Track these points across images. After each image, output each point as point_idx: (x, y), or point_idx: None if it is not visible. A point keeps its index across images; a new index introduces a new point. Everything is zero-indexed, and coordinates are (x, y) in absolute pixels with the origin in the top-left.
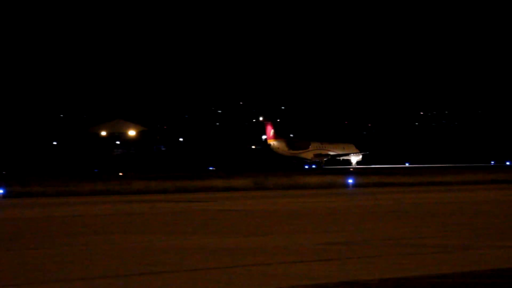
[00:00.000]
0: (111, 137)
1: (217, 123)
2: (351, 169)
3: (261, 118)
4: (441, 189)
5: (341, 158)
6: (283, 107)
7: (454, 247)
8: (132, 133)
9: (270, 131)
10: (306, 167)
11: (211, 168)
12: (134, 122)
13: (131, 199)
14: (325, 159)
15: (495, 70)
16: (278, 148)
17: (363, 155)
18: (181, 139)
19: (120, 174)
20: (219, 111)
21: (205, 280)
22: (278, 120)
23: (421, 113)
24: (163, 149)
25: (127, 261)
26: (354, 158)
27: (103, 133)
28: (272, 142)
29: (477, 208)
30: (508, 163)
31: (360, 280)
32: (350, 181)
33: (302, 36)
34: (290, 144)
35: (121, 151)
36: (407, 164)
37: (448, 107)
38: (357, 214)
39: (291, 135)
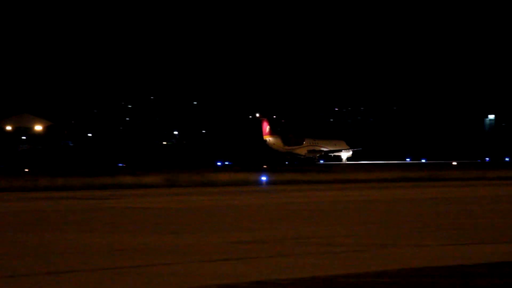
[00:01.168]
0: (16, 132)
1: (127, 118)
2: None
3: (257, 115)
4: (355, 186)
5: (332, 154)
6: (270, 103)
7: (367, 246)
8: (38, 128)
9: (266, 127)
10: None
11: (120, 165)
12: (41, 117)
13: (36, 196)
14: (317, 155)
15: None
16: (274, 144)
17: (356, 151)
18: (89, 135)
19: (26, 170)
20: (129, 106)
21: (111, 279)
22: (274, 116)
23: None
24: (71, 144)
25: (29, 261)
26: (345, 154)
27: (8, 128)
28: (268, 138)
29: (388, 206)
30: (424, 160)
31: (271, 280)
32: (264, 178)
33: (293, 32)
34: (285, 140)
35: (27, 146)
36: (408, 160)
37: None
38: (269, 212)
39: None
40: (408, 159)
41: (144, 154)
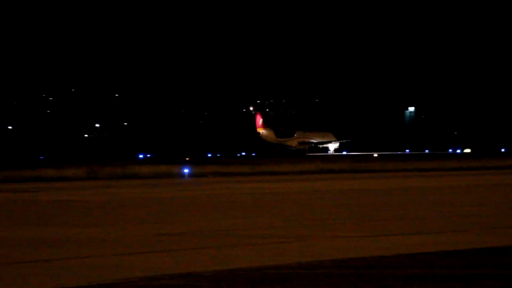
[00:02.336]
0: None
1: (48, 111)
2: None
3: (251, 108)
4: (279, 179)
5: (321, 146)
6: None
7: (286, 238)
8: None
9: (259, 120)
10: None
11: (42, 158)
12: None
13: None
14: (307, 147)
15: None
16: (267, 136)
17: (344, 142)
18: (10, 127)
19: None
20: (50, 98)
21: (35, 274)
22: (267, 110)
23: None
24: None
25: None
26: (332, 146)
27: None
28: (261, 131)
29: (310, 197)
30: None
31: (194, 272)
32: (186, 171)
33: (284, 28)
34: (277, 132)
35: None
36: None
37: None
38: (190, 204)
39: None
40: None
41: (66, 147)
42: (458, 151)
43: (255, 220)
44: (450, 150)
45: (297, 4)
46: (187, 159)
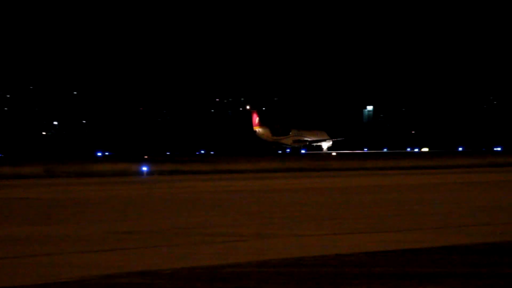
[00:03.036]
0: None
1: (6, 108)
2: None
3: (248, 107)
4: (237, 177)
5: (315, 144)
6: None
7: (247, 236)
8: None
9: (256, 119)
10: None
11: None
12: None
13: None
14: (302, 145)
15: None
16: (263, 134)
17: (338, 141)
18: None
19: None
20: (8, 96)
21: None
22: (264, 108)
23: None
24: None
25: None
26: (325, 144)
27: None
28: (258, 129)
29: (269, 196)
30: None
31: (152, 270)
32: (145, 169)
33: (279, 28)
34: (273, 131)
35: None
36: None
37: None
38: (149, 202)
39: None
40: (288, 150)
41: (23, 145)
42: (416, 150)
43: (213, 218)
44: (408, 149)
45: (286, 5)
46: (146, 157)
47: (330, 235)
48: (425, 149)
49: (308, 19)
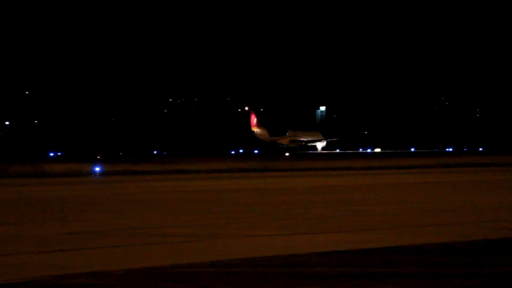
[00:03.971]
0: None
1: None
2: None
3: (246, 108)
4: (189, 177)
5: (310, 144)
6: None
7: (198, 236)
8: None
9: (254, 119)
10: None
11: None
12: None
13: None
14: (298, 145)
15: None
16: (261, 134)
17: (333, 141)
18: None
19: None
20: None
21: None
22: (262, 109)
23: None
24: None
25: None
26: (320, 144)
27: None
28: (255, 129)
29: (220, 196)
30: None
31: (105, 270)
32: (98, 169)
33: (277, 29)
34: (270, 131)
35: None
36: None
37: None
38: (102, 203)
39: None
40: (241, 150)
41: None
42: (369, 150)
43: (166, 218)
44: (361, 149)
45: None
46: (99, 157)
47: (282, 235)
48: (377, 150)
49: (261, 20)
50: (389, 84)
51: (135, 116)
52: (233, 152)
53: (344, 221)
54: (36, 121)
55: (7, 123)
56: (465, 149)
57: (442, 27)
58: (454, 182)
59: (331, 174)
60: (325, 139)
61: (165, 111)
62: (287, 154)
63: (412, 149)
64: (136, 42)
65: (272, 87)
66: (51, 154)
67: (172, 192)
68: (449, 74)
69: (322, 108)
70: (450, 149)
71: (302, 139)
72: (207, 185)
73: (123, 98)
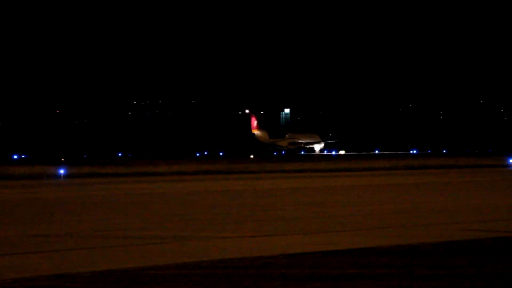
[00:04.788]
0: None
1: None
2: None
3: (247, 111)
4: (155, 179)
5: (308, 146)
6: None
7: (165, 238)
8: None
9: (254, 122)
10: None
11: None
12: None
13: None
14: (296, 147)
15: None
16: (261, 137)
17: (332, 143)
18: None
19: None
20: None
21: None
22: (262, 112)
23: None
24: None
25: None
26: (317, 146)
27: None
28: (256, 132)
29: (187, 198)
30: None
31: (71, 273)
32: (62, 171)
33: (272, 32)
34: (270, 133)
35: None
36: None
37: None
38: (67, 205)
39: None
40: (206, 152)
41: None
42: (333, 152)
43: (133, 221)
44: (325, 152)
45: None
46: (63, 159)
47: (249, 237)
48: (341, 152)
49: (220, 24)
50: (353, 87)
51: (100, 118)
52: (197, 154)
53: (310, 223)
54: None
55: None
56: (429, 151)
57: (404, 27)
58: (419, 184)
59: (296, 176)
60: (322, 141)
61: (129, 113)
62: (252, 156)
63: (377, 151)
64: (126, 42)
65: (243, 90)
66: (15, 157)
67: (137, 194)
68: (413, 76)
69: (287, 110)
70: (414, 151)
71: (300, 141)
72: (172, 187)
73: (87, 100)
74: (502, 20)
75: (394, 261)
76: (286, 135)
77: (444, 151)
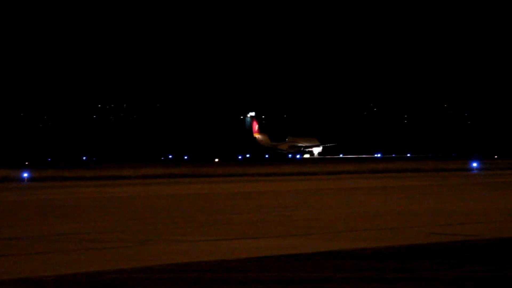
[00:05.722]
0: None
1: None
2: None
3: (248, 115)
4: (120, 183)
5: (307, 149)
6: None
7: (130, 242)
8: None
9: (255, 126)
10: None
11: None
12: None
13: None
14: (296, 150)
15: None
16: (262, 140)
17: (331, 146)
18: None
19: None
20: None
21: None
22: (263, 116)
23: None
24: None
25: None
26: (316, 150)
27: None
28: (257, 136)
29: (150, 202)
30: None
31: (34, 277)
32: (26, 175)
33: (269, 36)
34: (271, 137)
35: None
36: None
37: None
38: (31, 208)
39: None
40: (170, 156)
41: None
42: (298, 156)
43: (96, 224)
44: (290, 155)
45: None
46: (27, 163)
47: (213, 241)
48: (306, 156)
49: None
50: (317, 89)
51: (64, 121)
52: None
53: (275, 226)
54: None
55: None
56: (393, 155)
57: (367, 30)
58: (382, 188)
59: (260, 180)
60: (321, 144)
61: (94, 116)
62: (216, 160)
63: (341, 155)
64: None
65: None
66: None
67: (102, 198)
68: (377, 79)
69: (252, 113)
70: (378, 155)
71: (300, 144)
72: (136, 191)
73: (51, 103)
74: (463, 24)
75: (358, 265)
76: (287, 139)
77: (408, 154)
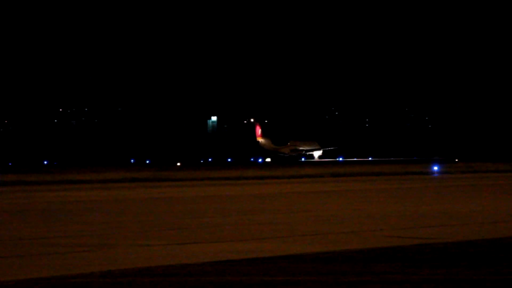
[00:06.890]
0: None
1: None
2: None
3: (252, 120)
4: (82, 187)
5: (308, 153)
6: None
7: (90, 246)
8: None
9: (258, 130)
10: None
11: None
12: None
13: None
14: (297, 154)
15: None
16: (265, 144)
17: (329, 150)
18: None
19: None
20: None
21: None
22: (266, 121)
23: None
24: None
25: None
26: (316, 153)
27: None
28: (260, 140)
29: (111, 206)
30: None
31: None
32: None
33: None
34: (273, 141)
35: None
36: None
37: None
38: None
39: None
40: (132, 160)
41: None
42: (260, 160)
43: (57, 228)
44: (252, 159)
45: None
46: None
47: (175, 245)
48: (268, 160)
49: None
50: (279, 94)
51: (25, 126)
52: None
53: (238, 230)
54: None
55: None
56: (355, 159)
57: (331, 31)
58: (344, 191)
59: (224, 184)
60: (321, 148)
61: (56, 121)
62: (178, 163)
63: (303, 159)
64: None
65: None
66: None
67: (62, 202)
68: (339, 83)
69: (214, 118)
70: (340, 159)
71: (301, 148)
72: (98, 195)
73: (12, 107)
74: (427, 27)
75: (320, 268)
76: (288, 143)
77: (370, 158)
